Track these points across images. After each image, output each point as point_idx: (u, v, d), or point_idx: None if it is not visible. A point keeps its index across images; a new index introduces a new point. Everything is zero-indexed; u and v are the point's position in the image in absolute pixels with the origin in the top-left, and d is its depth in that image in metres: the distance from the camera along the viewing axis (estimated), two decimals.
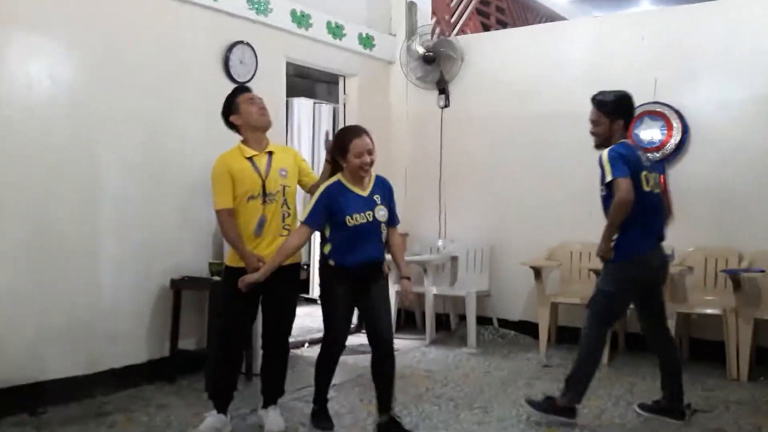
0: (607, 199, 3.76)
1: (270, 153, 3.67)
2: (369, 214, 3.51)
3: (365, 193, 3.55)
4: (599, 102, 3.88)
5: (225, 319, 3.70)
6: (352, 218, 3.48)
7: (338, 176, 3.58)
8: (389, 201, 3.64)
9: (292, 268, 3.67)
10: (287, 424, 3.81)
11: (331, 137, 6.45)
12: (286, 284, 3.65)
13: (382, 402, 3.62)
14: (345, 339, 3.74)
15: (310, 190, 3.76)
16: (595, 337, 3.81)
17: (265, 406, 3.75)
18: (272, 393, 3.77)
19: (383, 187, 3.64)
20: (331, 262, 3.57)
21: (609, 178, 3.67)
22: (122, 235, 4.45)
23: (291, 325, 3.79)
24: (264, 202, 3.59)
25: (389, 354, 3.62)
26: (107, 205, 4.39)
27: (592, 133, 3.91)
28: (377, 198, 3.57)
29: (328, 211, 3.51)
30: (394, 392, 3.66)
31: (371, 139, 3.55)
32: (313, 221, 3.54)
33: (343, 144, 3.53)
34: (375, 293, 3.61)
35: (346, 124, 6.59)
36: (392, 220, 3.67)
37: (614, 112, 3.84)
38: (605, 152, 3.74)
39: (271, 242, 3.61)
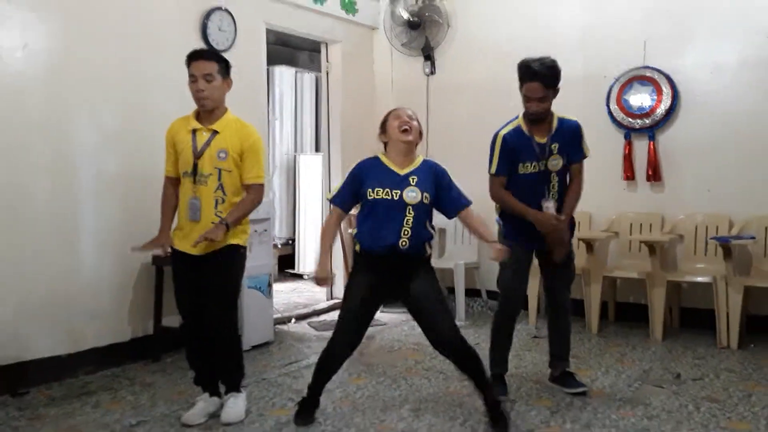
0: (563, 173, 3.79)
1: (214, 132, 3.48)
2: (395, 193, 3.27)
3: (401, 172, 3.34)
4: (547, 78, 3.61)
5: (177, 302, 3.64)
6: (374, 191, 3.29)
7: (378, 153, 3.44)
8: (439, 185, 3.36)
9: (224, 250, 3.47)
10: (274, 399, 3.88)
11: None
12: (218, 267, 3.46)
13: (480, 388, 3.46)
14: (348, 343, 3.43)
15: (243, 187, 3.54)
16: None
17: (226, 392, 3.62)
18: (224, 380, 3.63)
19: (428, 171, 3.37)
20: (357, 247, 3.40)
21: (588, 154, 3.83)
22: (102, 210, 4.44)
23: (224, 311, 3.51)
24: (195, 182, 3.46)
25: (460, 355, 3.40)
26: (85, 180, 4.37)
27: (538, 112, 3.67)
28: (413, 179, 3.31)
29: (357, 186, 3.35)
30: (486, 380, 3.46)
31: (417, 116, 3.42)
32: (339, 198, 3.41)
33: (384, 120, 3.43)
34: (418, 289, 3.33)
35: (329, 93, 6.58)
36: (457, 202, 3.41)
37: (557, 83, 3.67)
38: (580, 126, 3.81)
39: (204, 230, 3.42)
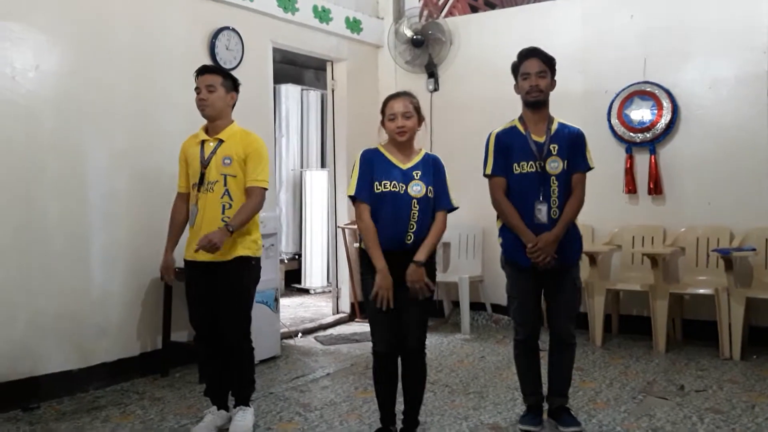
0: (564, 178, 3.40)
1: (220, 141, 3.52)
2: (401, 186, 3.17)
3: (404, 166, 3.23)
4: (545, 55, 3.45)
5: (189, 314, 3.65)
6: (380, 184, 3.18)
7: (378, 145, 3.32)
8: (435, 181, 3.25)
9: (235, 261, 3.47)
10: (282, 413, 3.86)
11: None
12: (229, 279, 3.47)
13: (406, 412, 3.37)
14: (386, 341, 3.25)
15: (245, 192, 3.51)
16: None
17: (235, 405, 3.61)
18: (234, 392, 3.63)
19: (428, 165, 3.26)
20: (362, 244, 3.27)
21: (593, 165, 3.48)
22: (111, 228, 4.44)
23: (237, 322, 3.53)
24: (199, 190, 3.48)
25: (411, 369, 3.29)
26: (95, 198, 4.37)
27: (537, 89, 3.40)
28: (417, 173, 3.22)
29: (371, 175, 3.21)
30: (420, 404, 3.38)
31: (414, 103, 3.26)
32: (360, 191, 3.21)
33: (383, 106, 3.29)
34: (406, 298, 3.19)
35: (335, 111, 6.60)
36: (439, 202, 3.26)
37: (554, 68, 3.47)
38: (583, 134, 3.49)
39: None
